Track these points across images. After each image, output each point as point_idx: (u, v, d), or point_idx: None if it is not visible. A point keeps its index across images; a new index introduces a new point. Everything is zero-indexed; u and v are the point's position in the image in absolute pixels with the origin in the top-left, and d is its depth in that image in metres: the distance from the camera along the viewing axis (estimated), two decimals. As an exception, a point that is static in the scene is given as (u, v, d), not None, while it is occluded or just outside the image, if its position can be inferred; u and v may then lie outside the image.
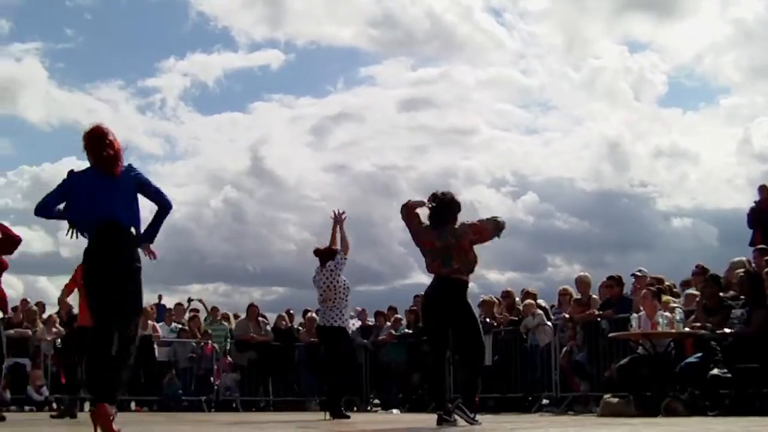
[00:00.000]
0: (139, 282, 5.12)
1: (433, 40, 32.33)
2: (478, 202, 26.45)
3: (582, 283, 11.11)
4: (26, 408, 12.55)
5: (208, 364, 13.83)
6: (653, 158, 30.91)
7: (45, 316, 13.67)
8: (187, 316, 14.55)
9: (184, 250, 28.32)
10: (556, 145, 32.22)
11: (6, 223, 7.43)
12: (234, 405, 13.79)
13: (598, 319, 10.33)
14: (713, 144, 32.85)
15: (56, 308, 13.61)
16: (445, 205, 6.61)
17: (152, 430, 6.95)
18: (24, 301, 13.92)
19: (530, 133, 33.60)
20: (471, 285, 6.74)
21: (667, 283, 10.25)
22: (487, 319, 11.52)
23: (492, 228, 6.53)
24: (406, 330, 13.41)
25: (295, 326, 14.74)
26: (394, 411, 12.55)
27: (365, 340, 13.82)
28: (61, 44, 32.86)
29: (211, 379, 13.82)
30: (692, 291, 9.63)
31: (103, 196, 5.05)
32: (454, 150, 32.00)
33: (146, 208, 5.34)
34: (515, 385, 11.46)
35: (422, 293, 6.94)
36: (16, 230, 7.40)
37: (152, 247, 5.38)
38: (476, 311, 6.99)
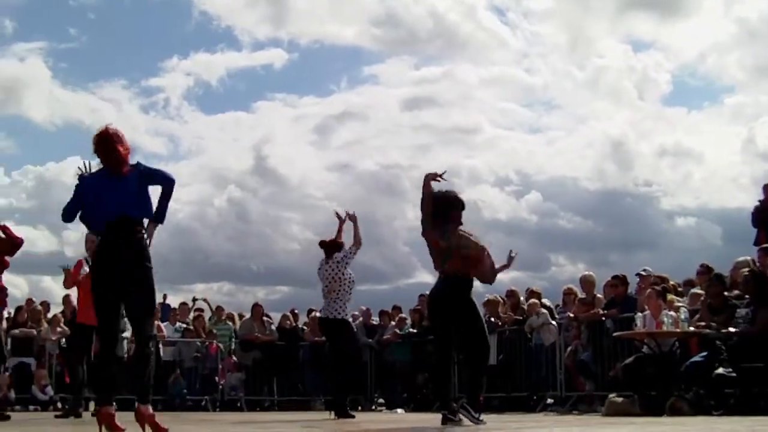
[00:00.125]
0: (151, 282, 5.16)
1: (436, 39, 32.27)
2: (481, 201, 26.47)
3: (586, 283, 11.11)
4: (31, 407, 12.53)
5: (213, 364, 13.83)
6: (657, 157, 30.81)
7: (50, 315, 13.68)
8: (191, 315, 14.58)
9: (188, 250, 28.43)
10: (560, 144, 32.18)
11: (10, 224, 7.47)
12: (239, 405, 13.79)
13: (603, 318, 10.33)
14: (717, 143, 32.72)
15: (61, 308, 13.66)
16: (447, 201, 6.60)
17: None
18: (29, 301, 13.93)
19: (534, 132, 33.50)
20: (475, 284, 6.75)
21: (671, 283, 10.25)
22: (492, 319, 11.51)
23: (491, 276, 6.68)
24: (411, 329, 13.42)
25: (300, 326, 14.74)
26: (399, 410, 12.54)
27: (370, 340, 13.81)
28: (65, 44, 32.94)
29: (216, 378, 13.83)
30: (697, 290, 9.61)
31: (112, 195, 5.13)
32: (457, 149, 31.89)
33: None
34: (520, 384, 11.45)
35: (427, 292, 6.94)
36: (21, 230, 7.48)
37: (155, 246, 5.42)
38: (481, 310, 6.97)
